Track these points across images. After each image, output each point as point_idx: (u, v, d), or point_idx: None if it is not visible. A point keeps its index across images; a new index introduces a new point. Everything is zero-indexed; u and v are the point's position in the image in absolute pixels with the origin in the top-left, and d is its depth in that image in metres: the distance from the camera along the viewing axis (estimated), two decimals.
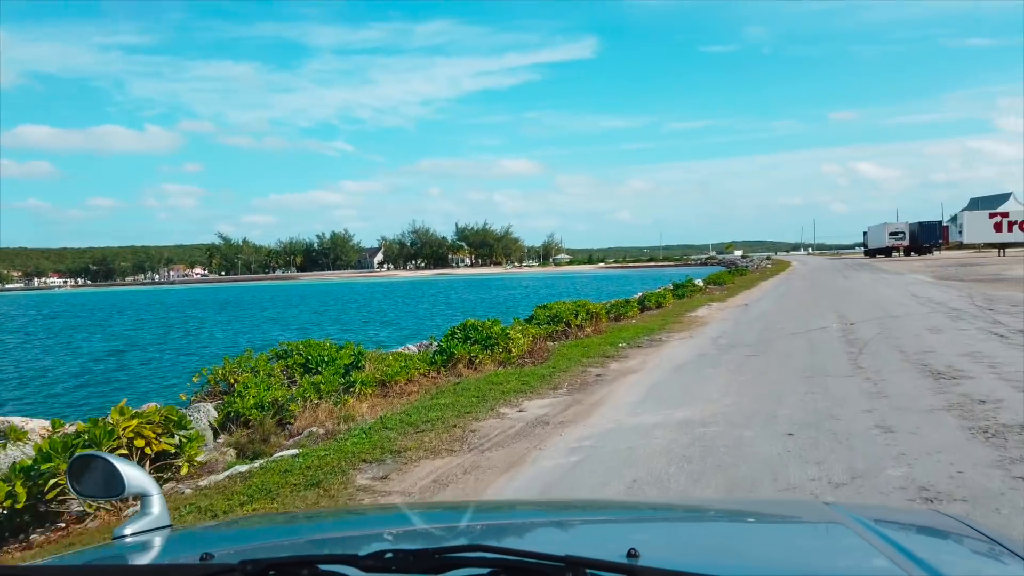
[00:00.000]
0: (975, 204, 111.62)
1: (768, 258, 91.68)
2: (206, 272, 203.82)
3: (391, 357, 10.93)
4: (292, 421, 8.54)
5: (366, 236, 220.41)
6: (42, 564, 1.53)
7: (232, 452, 7.34)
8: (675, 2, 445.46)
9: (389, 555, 1.04)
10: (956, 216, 65.13)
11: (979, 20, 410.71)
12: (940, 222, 78.04)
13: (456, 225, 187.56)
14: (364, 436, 6.85)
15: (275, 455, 6.73)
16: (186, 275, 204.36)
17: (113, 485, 1.61)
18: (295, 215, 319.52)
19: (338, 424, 8.14)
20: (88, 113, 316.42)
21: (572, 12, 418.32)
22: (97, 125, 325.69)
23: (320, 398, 9.00)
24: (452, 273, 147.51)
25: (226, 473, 6.19)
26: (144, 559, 1.46)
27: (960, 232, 61.32)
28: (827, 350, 10.85)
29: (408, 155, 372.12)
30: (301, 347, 11.16)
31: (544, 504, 3.15)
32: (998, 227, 58.54)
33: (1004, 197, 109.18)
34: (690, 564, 1.08)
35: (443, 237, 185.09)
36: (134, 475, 1.62)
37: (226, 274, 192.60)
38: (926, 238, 74.35)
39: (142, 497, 1.61)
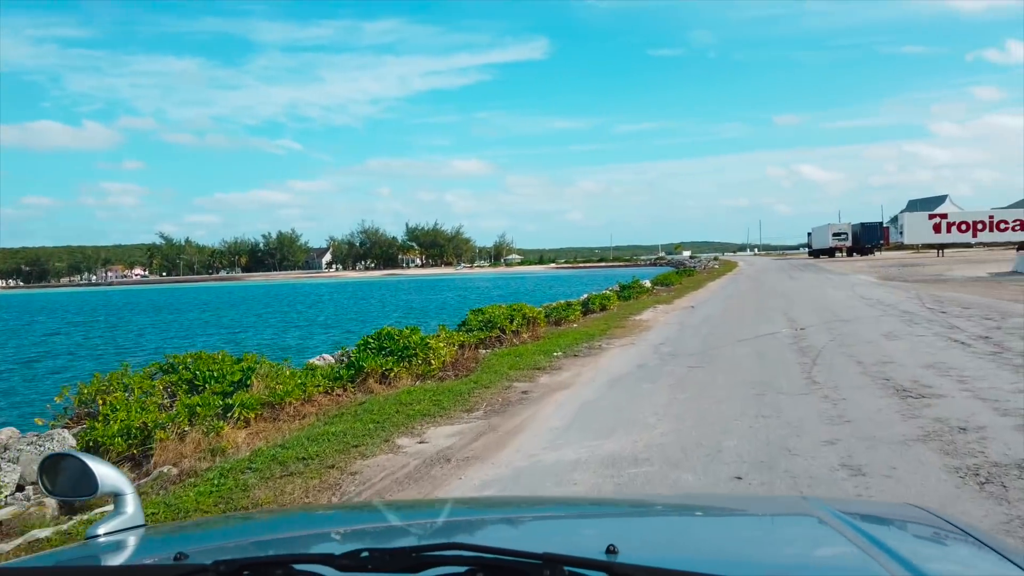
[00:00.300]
0: (913, 206, 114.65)
1: (716, 258, 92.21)
2: (146, 273, 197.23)
3: (288, 372, 9.45)
4: (152, 454, 7.07)
5: (314, 236, 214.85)
6: (14, 565, 1.62)
7: (54, 503, 5.83)
8: (624, 6, 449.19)
9: (365, 554, 1.02)
10: (897, 217, 66.16)
11: (913, 29, 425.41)
12: (881, 223, 79.46)
13: (406, 225, 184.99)
14: (215, 483, 5.43)
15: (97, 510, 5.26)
16: (125, 276, 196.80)
17: (86, 484, 1.58)
18: (241, 215, 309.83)
19: (202, 460, 6.69)
20: (22, 108, 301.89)
21: (522, 13, 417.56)
22: (32, 120, 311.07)
23: (191, 424, 7.52)
24: (402, 274, 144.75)
25: (16, 542, 4.70)
26: (118, 559, 1.44)
27: (901, 233, 62.23)
28: (778, 360, 9.80)
29: (357, 154, 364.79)
30: (189, 360, 9.62)
31: (522, 501, 3.02)
32: (937, 228, 59.52)
33: (940, 199, 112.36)
34: (668, 560, 1.10)
35: (393, 237, 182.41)
36: (107, 474, 1.59)
37: (167, 275, 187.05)
38: (868, 239, 75.57)
39: (115, 496, 1.58)
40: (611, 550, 1.11)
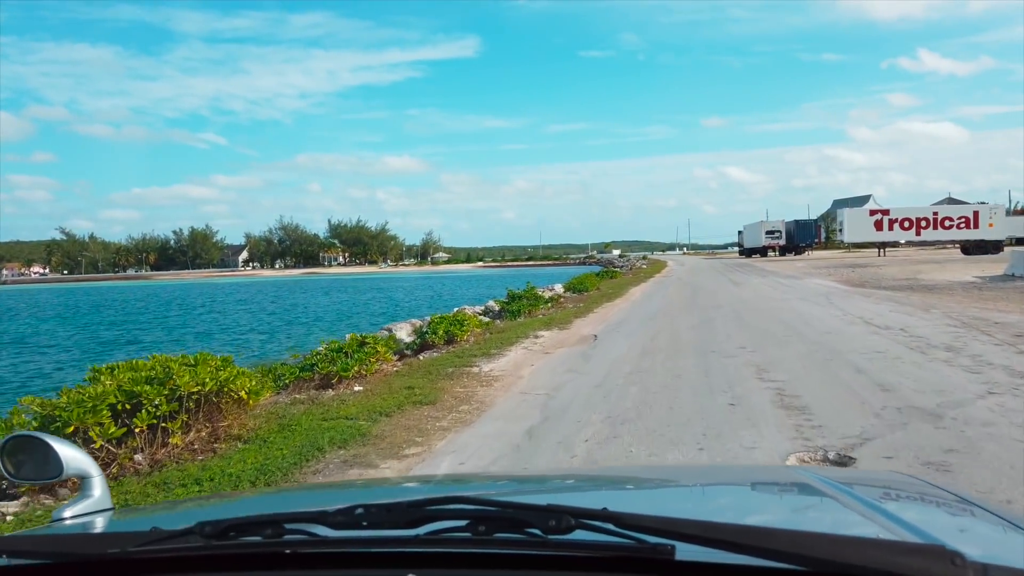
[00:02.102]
0: (838, 206, 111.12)
1: (644, 258, 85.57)
2: (46, 271, 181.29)
3: None
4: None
5: (240, 233, 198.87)
6: None
7: None
8: (553, 7, 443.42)
9: (360, 510, 0.96)
10: (836, 213, 60.28)
11: (832, 37, 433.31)
12: (816, 221, 74.18)
13: (329, 222, 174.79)
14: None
15: None
16: (22, 274, 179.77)
17: (50, 467, 1.50)
18: (161, 210, 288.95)
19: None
20: None
21: (453, 11, 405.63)
22: None
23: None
24: (322, 272, 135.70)
25: None
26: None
27: (840, 230, 56.19)
28: None
29: (285, 149, 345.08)
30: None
31: (515, 475, 3.07)
32: (879, 225, 53.63)
33: (864, 199, 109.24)
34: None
35: (315, 234, 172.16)
36: (72, 456, 1.51)
37: (69, 273, 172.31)
38: (802, 237, 70.00)
39: (82, 479, 1.51)
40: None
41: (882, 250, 53.87)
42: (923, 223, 53.41)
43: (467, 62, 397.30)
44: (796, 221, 72.18)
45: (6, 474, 1.58)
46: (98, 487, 1.49)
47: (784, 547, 0.82)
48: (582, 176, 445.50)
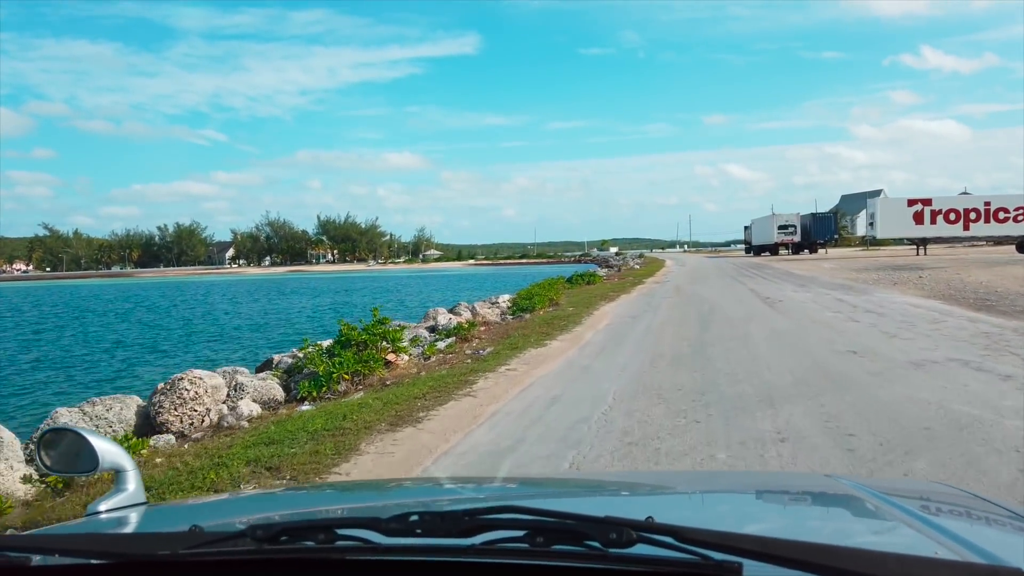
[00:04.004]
0: (846, 202, 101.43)
1: (640, 256, 75.78)
2: (28, 268, 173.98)
3: None
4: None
5: (239, 229, 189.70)
6: (32, 533, 1.49)
7: None
8: (554, 4, 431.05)
9: (415, 517, 0.93)
10: (867, 205, 50.39)
11: (833, 34, 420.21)
12: (835, 214, 64.50)
13: (318, 217, 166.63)
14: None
15: None
16: (3, 271, 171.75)
17: (86, 460, 1.49)
18: (161, 207, 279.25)
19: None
20: None
21: (453, 8, 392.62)
22: None
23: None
24: (308, 270, 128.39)
25: None
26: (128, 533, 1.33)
27: (871, 224, 46.40)
28: None
29: (286, 146, 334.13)
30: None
31: (559, 478, 2.95)
32: (919, 218, 43.85)
33: (875, 193, 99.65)
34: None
35: (303, 231, 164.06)
36: (108, 450, 1.49)
37: (52, 270, 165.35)
38: (820, 233, 60.23)
39: (116, 473, 1.48)
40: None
41: (922, 247, 44.13)
42: (972, 215, 43.66)
43: (467, 59, 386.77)
44: (813, 215, 62.36)
45: (42, 466, 1.61)
46: (132, 481, 1.46)
47: (853, 567, 0.79)
48: (583, 173, 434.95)
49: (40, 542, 1.13)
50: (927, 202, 44.42)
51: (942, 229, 44.17)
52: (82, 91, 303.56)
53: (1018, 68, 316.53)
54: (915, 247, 45.07)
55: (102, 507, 1.39)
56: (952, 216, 43.82)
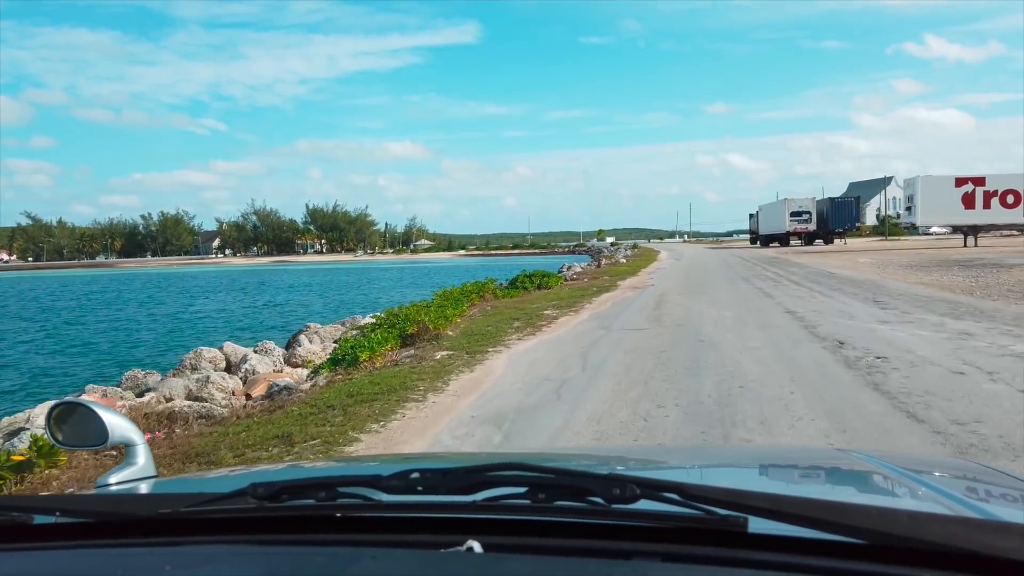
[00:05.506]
0: (855, 189, 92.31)
1: (634, 246, 66.97)
2: (12, 257, 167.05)
3: None
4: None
5: (220, 218, 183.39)
6: (36, 496, 1.58)
7: None
8: None
9: (415, 475, 0.91)
10: (906, 185, 41.36)
11: (834, 24, 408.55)
12: (857, 199, 55.54)
13: (307, 206, 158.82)
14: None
15: None
16: None
17: (95, 434, 1.47)
18: (161, 196, 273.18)
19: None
20: None
21: None
22: None
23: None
24: (293, 260, 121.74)
25: None
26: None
27: (908, 209, 37.59)
28: None
29: (286, 135, 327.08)
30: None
31: (570, 452, 2.88)
32: (969, 200, 35.03)
33: (886, 181, 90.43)
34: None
35: (291, 220, 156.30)
36: (117, 423, 1.47)
37: (34, 259, 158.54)
38: (839, 221, 51.29)
39: (126, 447, 1.47)
40: None
41: (973, 237, 35.32)
42: None
43: (467, 48, 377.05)
44: (831, 199, 53.35)
45: (53, 440, 1.60)
46: (142, 455, 1.45)
47: (861, 523, 0.77)
48: (583, 163, 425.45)
49: (42, 502, 1.14)
50: (979, 181, 35.47)
51: (998, 214, 35.29)
52: (81, 80, 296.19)
53: (1022, 57, 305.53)
54: (962, 237, 36.25)
55: (112, 479, 1.38)
56: (1010, 199, 34.97)
